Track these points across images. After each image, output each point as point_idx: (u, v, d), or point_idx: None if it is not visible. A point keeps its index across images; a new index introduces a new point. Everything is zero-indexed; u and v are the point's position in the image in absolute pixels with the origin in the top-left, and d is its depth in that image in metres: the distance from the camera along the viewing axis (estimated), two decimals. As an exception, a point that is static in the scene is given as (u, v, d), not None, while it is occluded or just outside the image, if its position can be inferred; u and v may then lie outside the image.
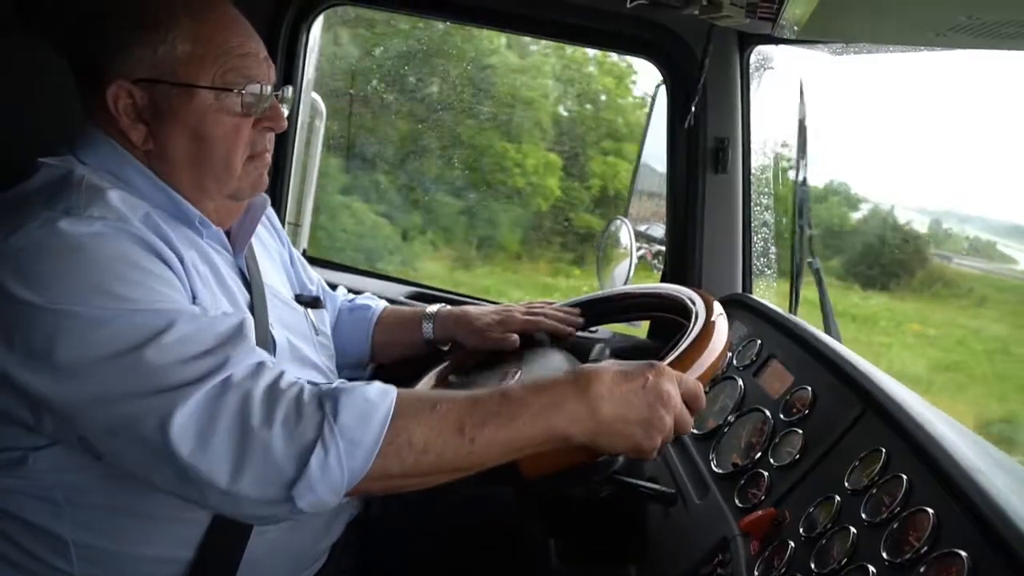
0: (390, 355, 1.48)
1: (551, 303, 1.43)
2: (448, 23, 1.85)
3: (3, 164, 0.97)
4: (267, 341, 1.10)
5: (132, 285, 0.87)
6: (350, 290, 1.58)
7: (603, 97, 6.06)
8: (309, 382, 0.89)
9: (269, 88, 1.06)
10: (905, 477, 0.87)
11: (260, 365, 0.87)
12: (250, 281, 1.13)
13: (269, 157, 1.11)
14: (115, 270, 0.87)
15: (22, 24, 1.19)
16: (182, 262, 0.96)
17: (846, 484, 0.95)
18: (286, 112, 1.12)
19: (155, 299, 0.88)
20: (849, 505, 0.92)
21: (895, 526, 0.83)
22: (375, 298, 1.54)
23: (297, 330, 1.21)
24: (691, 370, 1.01)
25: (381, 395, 0.86)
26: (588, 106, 6.19)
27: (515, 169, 5.74)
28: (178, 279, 0.94)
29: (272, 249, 1.32)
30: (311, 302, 1.30)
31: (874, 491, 0.90)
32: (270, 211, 1.30)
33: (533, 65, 5.91)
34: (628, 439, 0.90)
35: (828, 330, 1.49)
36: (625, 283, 1.89)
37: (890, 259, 5.74)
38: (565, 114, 6.18)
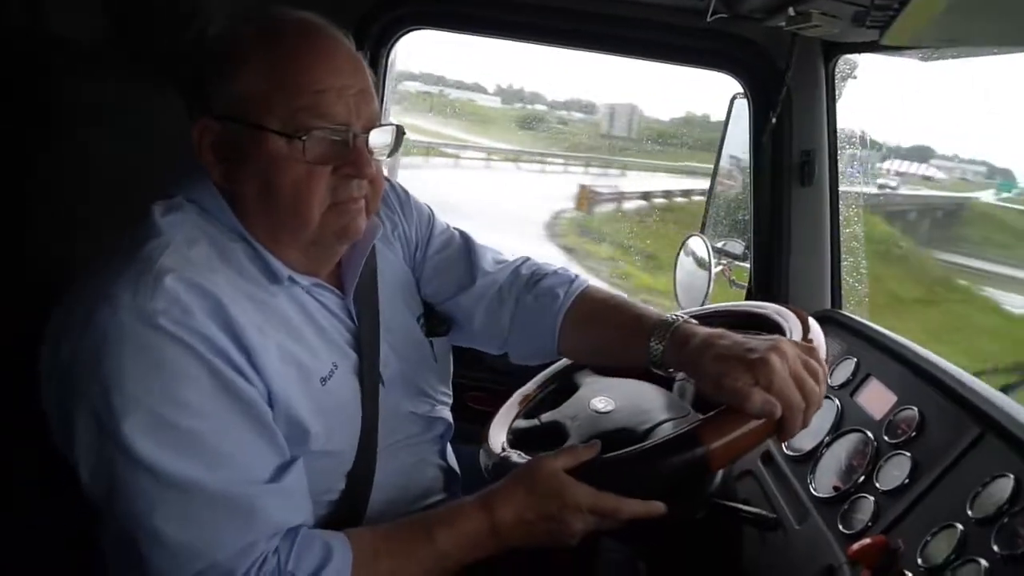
0: (590, 362, 1.26)
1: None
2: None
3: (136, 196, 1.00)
4: (376, 378, 1.10)
5: (182, 409, 0.86)
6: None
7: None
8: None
9: (354, 130, 0.97)
10: (1043, 506, 0.82)
11: (249, 547, 0.88)
12: (358, 323, 1.10)
13: (363, 203, 1.01)
14: (165, 390, 0.86)
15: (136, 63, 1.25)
16: (249, 353, 0.91)
17: (969, 512, 0.90)
18: (384, 151, 1.03)
19: (188, 445, 0.87)
20: (976, 535, 0.87)
21: None
22: (572, 277, 1.26)
23: (414, 360, 1.20)
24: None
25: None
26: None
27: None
28: (243, 376, 0.90)
29: (397, 251, 1.25)
30: (437, 330, 1.25)
31: (1006, 520, 0.85)
32: (396, 201, 1.26)
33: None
34: (537, 546, 0.99)
35: None
36: (704, 301, 1.85)
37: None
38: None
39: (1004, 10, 0.66)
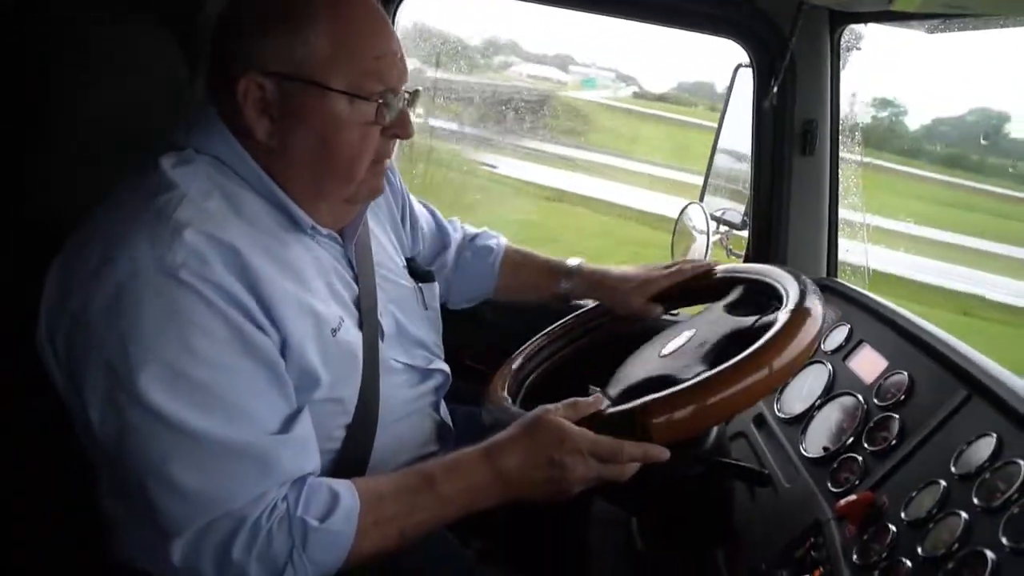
0: (514, 298, 1.58)
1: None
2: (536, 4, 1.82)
3: (122, 150, 1.00)
4: (376, 329, 1.12)
5: (198, 361, 0.87)
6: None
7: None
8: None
9: (401, 93, 1.02)
10: (1022, 463, 0.85)
11: (263, 496, 0.91)
12: (358, 272, 1.13)
13: (389, 161, 1.08)
14: (182, 342, 0.87)
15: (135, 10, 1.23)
16: (266, 304, 0.92)
17: (952, 469, 0.93)
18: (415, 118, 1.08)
19: (205, 399, 0.88)
20: (958, 490, 0.90)
21: (1015, 512, 0.81)
22: (495, 235, 1.58)
23: (406, 307, 1.23)
24: (783, 355, 1.01)
25: (346, 520, 0.93)
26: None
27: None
28: (259, 328, 0.92)
29: (383, 214, 1.32)
30: (424, 276, 1.31)
31: (987, 476, 0.88)
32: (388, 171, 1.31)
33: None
34: (540, 496, 1.01)
35: None
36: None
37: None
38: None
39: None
